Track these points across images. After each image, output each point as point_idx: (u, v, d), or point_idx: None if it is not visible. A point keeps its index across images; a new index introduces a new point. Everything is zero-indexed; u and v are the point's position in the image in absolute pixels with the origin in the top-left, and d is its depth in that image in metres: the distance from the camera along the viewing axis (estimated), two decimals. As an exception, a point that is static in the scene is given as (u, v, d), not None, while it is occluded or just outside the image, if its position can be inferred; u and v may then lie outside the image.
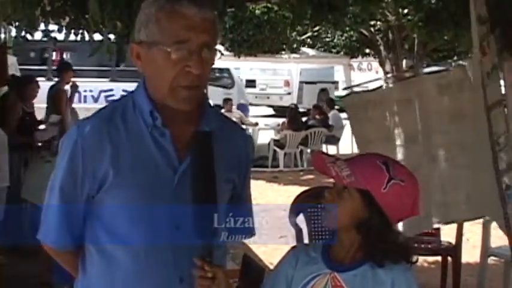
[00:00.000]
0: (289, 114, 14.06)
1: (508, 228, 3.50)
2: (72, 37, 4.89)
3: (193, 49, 1.75)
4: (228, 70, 20.23)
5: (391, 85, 4.81)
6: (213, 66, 1.89)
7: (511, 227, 3.48)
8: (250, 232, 2.14)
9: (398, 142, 4.36)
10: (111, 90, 17.70)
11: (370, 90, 5.14)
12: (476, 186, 3.92)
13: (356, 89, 5.09)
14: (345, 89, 4.81)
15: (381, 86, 4.80)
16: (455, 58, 14.89)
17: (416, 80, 4.62)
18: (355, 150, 13.74)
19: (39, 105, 7.97)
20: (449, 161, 4.26)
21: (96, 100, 16.10)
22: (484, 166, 3.58)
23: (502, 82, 3.87)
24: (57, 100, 8.69)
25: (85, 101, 15.85)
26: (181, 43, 1.74)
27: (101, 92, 16.56)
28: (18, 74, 11.47)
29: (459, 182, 4.19)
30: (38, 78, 7.86)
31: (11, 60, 11.78)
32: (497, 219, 3.64)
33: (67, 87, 8.76)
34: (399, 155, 4.18)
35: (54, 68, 9.06)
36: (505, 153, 3.43)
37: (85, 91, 16.60)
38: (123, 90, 17.66)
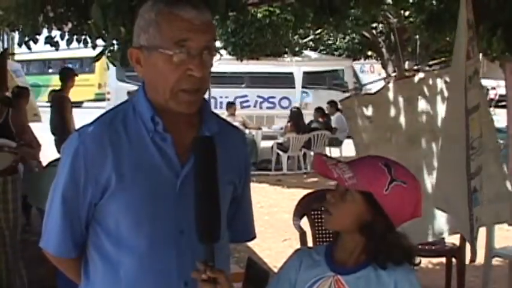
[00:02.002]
0: (292, 117, 14.06)
1: (472, 233, 3.52)
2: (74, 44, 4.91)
3: (194, 52, 1.76)
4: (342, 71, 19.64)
5: (390, 85, 4.76)
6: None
7: (474, 231, 3.50)
8: (251, 235, 2.16)
9: (397, 144, 4.34)
10: (245, 96, 18.84)
11: (370, 94, 5.17)
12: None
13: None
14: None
15: (381, 89, 4.79)
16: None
17: (418, 79, 4.61)
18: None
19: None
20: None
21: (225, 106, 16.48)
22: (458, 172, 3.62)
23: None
24: (61, 107, 8.60)
25: (221, 107, 16.37)
26: (182, 46, 1.75)
27: (236, 98, 16.90)
28: (22, 79, 11.51)
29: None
30: None
31: (15, 66, 11.81)
32: (463, 229, 3.65)
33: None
34: (399, 158, 4.15)
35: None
36: (477, 157, 3.46)
37: (221, 97, 17.47)
38: (258, 96, 18.42)
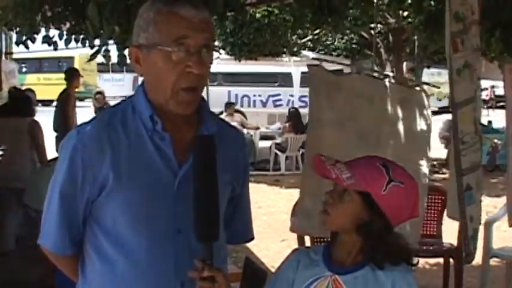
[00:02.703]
0: (291, 117, 14.06)
1: (465, 229, 3.51)
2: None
3: (193, 50, 1.77)
4: None
5: (366, 77, 4.68)
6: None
7: (468, 228, 3.48)
8: (249, 236, 2.16)
9: (348, 133, 4.26)
10: (278, 94, 19.28)
11: (336, 72, 5.03)
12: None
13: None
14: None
15: (349, 73, 4.73)
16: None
17: (383, 83, 4.59)
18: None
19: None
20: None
21: (264, 104, 16.69)
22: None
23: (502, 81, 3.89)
24: (63, 103, 8.79)
25: (254, 105, 16.55)
26: (181, 44, 1.76)
27: (269, 96, 17.08)
28: (14, 80, 11.48)
29: None
30: None
31: (11, 67, 11.78)
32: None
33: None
34: (347, 148, 4.03)
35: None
36: (472, 153, 3.43)
37: (254, 96, 18.02)
38: (290, 95, 18.78)
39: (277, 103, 19.25)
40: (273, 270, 2.14)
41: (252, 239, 2.16)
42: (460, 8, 3.38)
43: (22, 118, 6.12)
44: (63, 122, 8.69)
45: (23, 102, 6.39)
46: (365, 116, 4.34)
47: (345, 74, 4.98)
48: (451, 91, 3.40)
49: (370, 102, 4.39)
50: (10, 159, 5.96)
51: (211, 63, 1.84)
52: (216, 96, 16.27)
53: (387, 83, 4.59)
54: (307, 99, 4.87)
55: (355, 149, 3.89)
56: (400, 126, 4.53)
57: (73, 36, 4.88)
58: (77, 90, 9.35)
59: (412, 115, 4.60)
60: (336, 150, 3.71)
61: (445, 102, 21.95)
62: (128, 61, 2.24)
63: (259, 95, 17.58)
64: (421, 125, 4.64)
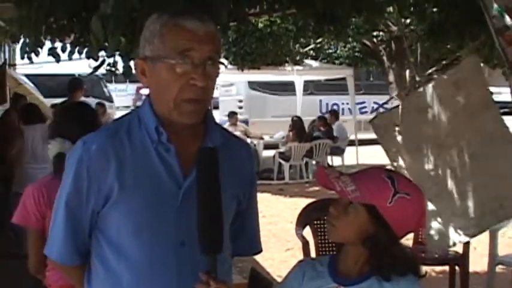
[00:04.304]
0: (294, 126, 14.05)
1: None
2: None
3: (198, 62, 1.77)
4: None
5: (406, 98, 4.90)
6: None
7: None
8: (255, 250, 2.15)
9: (427, 151, 4.41)
10: (363, 102, 20.10)
11: (391, 109, 5.22)
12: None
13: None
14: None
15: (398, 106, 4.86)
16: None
17: (430, 86, 4.65)
18: (360, 161, 13.79)
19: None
20: (477, 165, 4.32)
21: (351, 112, 17.03)
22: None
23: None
24: None
25: (342, 113, 17.10)
26: (185, 56, 1.76)
27: (356, 104, 17.46)
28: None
29: (491, 186, 4.25)
30: None
31: (17, 76, 11.83)
32: None
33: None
34: (430, 164, 4.23)
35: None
36: None
37: (342, 104, 19.17)
38: (374, 103, 19.46)
39: (362, 110, 19.93)
40: (279, 279, 2.15)
41: (260, 252, 2.16)
42: (501, 2, 3.36)
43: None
44: None
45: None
46: (431, 125, 4.45)
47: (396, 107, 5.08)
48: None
49: (426, 111, 4.48)
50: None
51: (217, 76, 1.84)
52: (309, 105, 16.98)
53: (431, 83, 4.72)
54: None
55: (439, 159, 4.23)
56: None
57: (76, 49, 4.90)
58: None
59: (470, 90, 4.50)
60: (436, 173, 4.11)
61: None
62: (134, 72, 2.25)
63: (347, 103, 18.21)
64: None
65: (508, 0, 3.35)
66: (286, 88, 18.43)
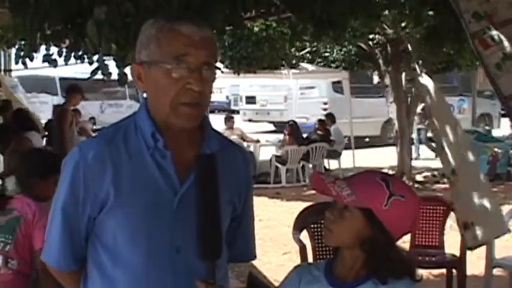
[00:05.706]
0: (290, 130, 14.04)
1: None
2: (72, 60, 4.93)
3: (193, 67, 1.77)
4: None
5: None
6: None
7: None
8: (251, 255, 2.14)
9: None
10: None
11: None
12: None
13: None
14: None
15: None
16: (455, 70, 14.95)
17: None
18: (357, 165, 13.77)
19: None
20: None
21: None
22: None
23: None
24: (60, 119, 8.83)
25: None
26: (181, 61, 1.76)
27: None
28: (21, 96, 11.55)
29: None
30: None
31: (13, 83, 11.83)
32: None
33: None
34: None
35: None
36: None
37: None
38: None
39: None
40: (276, 283, 2.14)
41: (254, 258, 2.15)
42: (479, 8, 3.37)
43: None
44: (59, 136, 8.74)
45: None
46: None
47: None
48: (496, 88, 3.38)
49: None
50: None
51: (213, 80, 1.84)
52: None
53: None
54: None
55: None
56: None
57: (72, 54, 4.90)
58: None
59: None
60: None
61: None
62: (130, 78, 2.24)
63: None
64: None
65: (478, 6, 3.37)
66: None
